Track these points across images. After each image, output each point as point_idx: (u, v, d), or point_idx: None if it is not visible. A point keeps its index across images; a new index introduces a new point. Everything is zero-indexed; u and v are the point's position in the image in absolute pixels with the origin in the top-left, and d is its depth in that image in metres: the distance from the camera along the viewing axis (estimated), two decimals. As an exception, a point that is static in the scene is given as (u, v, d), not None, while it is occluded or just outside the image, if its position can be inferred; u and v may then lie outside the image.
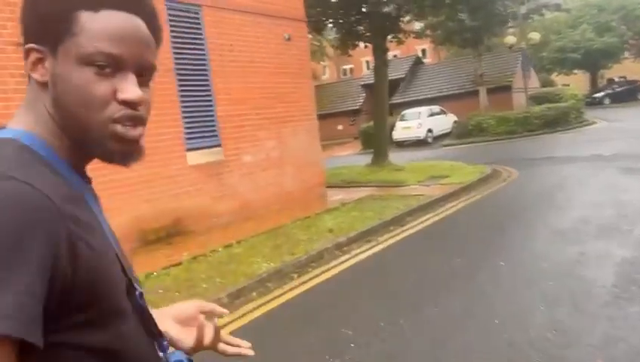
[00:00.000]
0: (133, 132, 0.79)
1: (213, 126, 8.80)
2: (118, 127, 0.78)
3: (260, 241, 7.59)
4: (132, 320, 0.81)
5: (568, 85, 35.37)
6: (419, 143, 24.93)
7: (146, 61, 0.80)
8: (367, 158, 23.30)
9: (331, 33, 18.88)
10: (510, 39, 23.67)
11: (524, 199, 9.50)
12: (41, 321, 0.64)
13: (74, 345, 0.70)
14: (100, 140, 0.78)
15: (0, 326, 0.60)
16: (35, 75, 0.78)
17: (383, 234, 7.71)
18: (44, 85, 0.78)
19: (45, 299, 0.65)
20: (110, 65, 0.76)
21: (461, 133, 24.32)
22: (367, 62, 39.52)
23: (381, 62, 14.63)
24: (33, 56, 0.78)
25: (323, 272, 6.21)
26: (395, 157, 21.44)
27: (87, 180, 0.85)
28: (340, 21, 16.12)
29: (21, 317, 0.62)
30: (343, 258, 6.79)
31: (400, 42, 18.21)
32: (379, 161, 14.44)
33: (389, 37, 16.82)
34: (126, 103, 0.77)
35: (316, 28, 16.84)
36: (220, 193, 8.89)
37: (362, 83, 33.69)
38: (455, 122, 26.17)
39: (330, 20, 16.75)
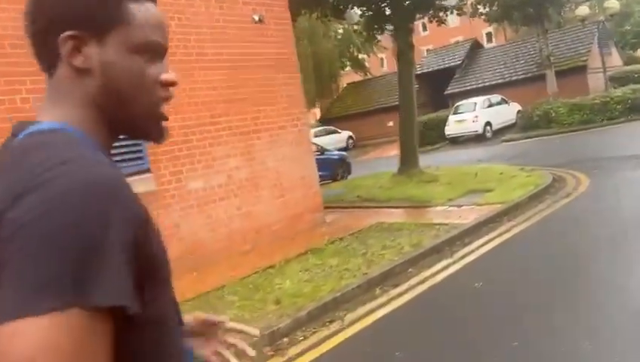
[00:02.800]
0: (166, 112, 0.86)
1: (138, 145, 6.38)
2: (162, 108, 0.85)
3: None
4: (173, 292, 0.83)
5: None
6: (476, 139, 21.57)
7: (167, 47, 0.86)
8: (420, 158, 20.40)
9: (354, 17, 16.05)
10: (582, 10, 19.78)
11: (594, 234, 6.37)
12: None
13: (143, 317, 0.69)
14: (148, 121, 0.84)
15: (112, 297, 0.63)
16: (77, 62, 0.78)
17: (357, 308, 4.97)
18: (84, 72, 0.79)
19: (132, 274, 0.67)
20: (158, 53, 0.83)
21: (525, 125, 20.67)
22: (428, 50, 36.10)
23: (405, 46, 11.70)
24: (70, 43, 0.77)
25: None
26: (442, 157, 18.36)
27: None
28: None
29: (127, 290, 0.65)
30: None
31: (440, 21, 15.18)
32: (407, 169, 11.54)
33: (428, 15, 13.88)
34: (170, 84, 0.85)
35: (335, 11, 14.15)
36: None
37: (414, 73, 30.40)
38: (519, 112, 22.52)
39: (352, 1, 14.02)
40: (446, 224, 7.36)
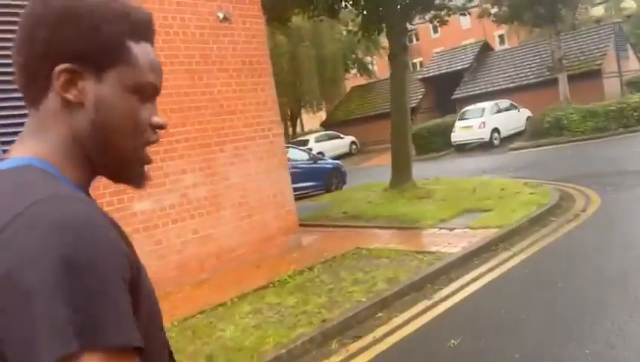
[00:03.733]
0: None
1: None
2: (147, 151, 0.84)
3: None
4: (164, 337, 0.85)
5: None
6: (483, 146, 20.49)
7: (160, 89, 0.85)
8: (424, 166, 19.42)
9: (350, 16, 15.13)
10: (597, 11, 18.66)
11: (602, 272, 5.35)
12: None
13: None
14: (132, 163, 0.82)
15: (134, 339, 0.64)
16: (69, 96, 0.77)
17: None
18: (75, 106, 0.77)
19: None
20: (151, 95, 0.82)
21: (535, 132, 19.52)
22: (436, 52, 34.98)
23: (398, 48, 10.71)
24: (65, 76, 0.76)
25: None
26: (445, 166, 17.28)
27: None
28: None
29: (135, 329, 0.65)
30: None
31: (442, 22, 14.20)
32: (399, 182, 10.55)
33: (428, 15, 12.94)
34: (159, 127, 0.83)
35: (330, 10, 13.23)
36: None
37: (420, 76, 29.35)
38: (529, 118, 21.39)
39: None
40: (432, 253, 6.39)
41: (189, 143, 6.59)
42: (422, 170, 17.90)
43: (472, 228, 7.30)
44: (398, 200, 9.83)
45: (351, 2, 12.99)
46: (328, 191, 14.41)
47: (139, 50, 0.79)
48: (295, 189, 13.92)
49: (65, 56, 0.75)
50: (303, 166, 13.96)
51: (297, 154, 14.99)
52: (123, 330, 0.63)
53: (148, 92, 0.81)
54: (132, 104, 0.79)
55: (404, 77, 10.83)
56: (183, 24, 6.69)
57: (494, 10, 20.57)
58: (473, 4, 18.33)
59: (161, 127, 0.83)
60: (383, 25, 12.41)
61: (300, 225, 8.14)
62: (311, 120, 41.28)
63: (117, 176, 0.84)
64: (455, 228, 7.48)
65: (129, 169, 0.83)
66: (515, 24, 22.83)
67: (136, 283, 0.70)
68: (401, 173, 10.58)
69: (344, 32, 29.79)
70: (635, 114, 17.38)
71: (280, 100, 7.46)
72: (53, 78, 0.75)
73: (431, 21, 14.32)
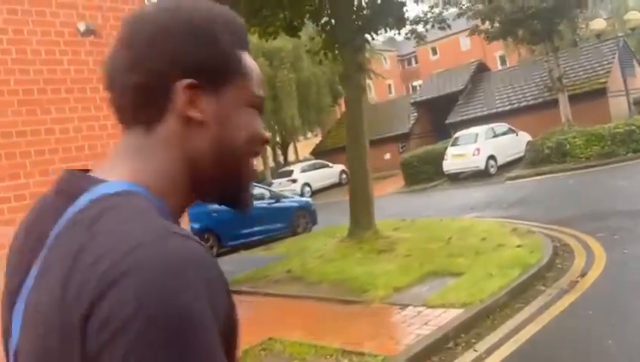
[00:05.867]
0: None
1: None
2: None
3: None
4: None
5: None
6: (478, 175, 18.53)
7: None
8: (411, 200, 17.48)
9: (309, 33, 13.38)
10: (598, 24, 16.84)
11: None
12: None
13: None
14: (246, 181, 0.77)
15: None
16: (194, 114, 0.71)
17: None
18: (198, 125, 0.71)
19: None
20: (261, 108, 0.78)
21: (535, 159, 17.54)
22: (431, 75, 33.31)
23: (351, 68, 8.87)
24: (187, 93, 0.70)
25: None
26: (434, 199, 15.20)
27: None
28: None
29: None
30: None
31: (419, 38, 12.45)
32: (358, 230, 8.57)
33: (398, 30, 11.20)
34: (266, 142, 0.79)
35: (289, 28, 11.51)
36: None
37: (413, 100, 27.57)
38: (528, 143, 19.42)
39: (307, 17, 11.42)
40: (361, 354, 4.43)
41: (20, 203, 4.73)
42: (405, 205, 16.01)
43: (429, 307, 5.33)
44: (353, 255, 7.88)
45: (310, 17, 11.30)
46: (295, 233, 12.52)
47: (250, 60, 0.76)
48: (253, 233, 12.26)
49: (187, 71, 0.70)
50: (262, 206, 12.06)
51: (256, 192, 13.12)
52: None
53: (260, 105, 0.77)
54: (254, 117, 0.75)
55: (360, 102, 8.92)
56: (19, 39, 4.90)
57: (485, 27, 18.77)
58: (452, 15, 16.60)
59: (268, 141, 0.79)
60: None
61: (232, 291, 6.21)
62: (308, 147, 39.50)
63: (230, 198, 0.77)
64: (409, 305, 5.51)
65: (243, 186, 0.77)
66: (511, 41, 20.99)
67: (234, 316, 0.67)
68: (360, 220, 8.60)
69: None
70: (645, 137, 15.42)
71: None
72: (176, 96, 0.70)
73: (407, 37, 12.66)
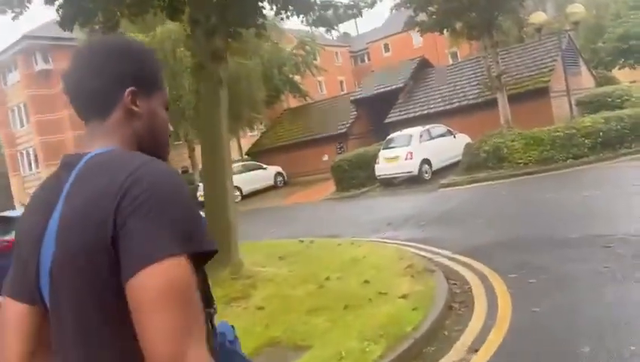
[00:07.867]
0: None
1: None
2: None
3: None
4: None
5: (635, 82, 25.67)
6: (413, 181, 16.90)
7: None
8: (336, 208, 15.75)
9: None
10: (538, 17, 15.37)
11: None
12: None
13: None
14: (165, 147, 1.25)
15: (211, 245, 1.02)
16: (136, 108, 1.16)
17: None
18: (136, 116, 1.16)
19: None
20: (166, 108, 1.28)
21: (472, 163, 15.99)
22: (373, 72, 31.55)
23: (204, 57, 6.91)
24: (132, 95, 1.15)
25: None
26: (356, 210, 12.83)
27: None
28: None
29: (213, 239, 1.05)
30: None
31: (329, 26, 10.61)
32: (213, 265, 6.66)
33: (297, 14, 9.33)
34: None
35: (171, 9, 9.41)
36: None
37: (352, 98, 25.82)
38: (466, 146, 17.87)
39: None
40: None
41: None
42: (326, 216, 14.18)
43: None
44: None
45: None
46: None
47: (163, 79, 1.26)
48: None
49: (131, 82, 1.15)
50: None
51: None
52: (210, 240, 1.02)
53: (168, 107, 1.27)
54: (164, 114, 1.24)
55: (218, 98, 6.95)
56: None
57: (418, 18, 17.09)
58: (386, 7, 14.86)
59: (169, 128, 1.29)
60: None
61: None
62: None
63: (158, 154, 1.16)
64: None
65: (164, 150, 1.24)
66: (447, 34, 19.39)
67: None
68: (220, 250, 6.69)
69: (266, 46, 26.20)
70: (586, 141, 14.02)
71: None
72: (125, 96, 1.14)
73: (312, 24, 10.76)
